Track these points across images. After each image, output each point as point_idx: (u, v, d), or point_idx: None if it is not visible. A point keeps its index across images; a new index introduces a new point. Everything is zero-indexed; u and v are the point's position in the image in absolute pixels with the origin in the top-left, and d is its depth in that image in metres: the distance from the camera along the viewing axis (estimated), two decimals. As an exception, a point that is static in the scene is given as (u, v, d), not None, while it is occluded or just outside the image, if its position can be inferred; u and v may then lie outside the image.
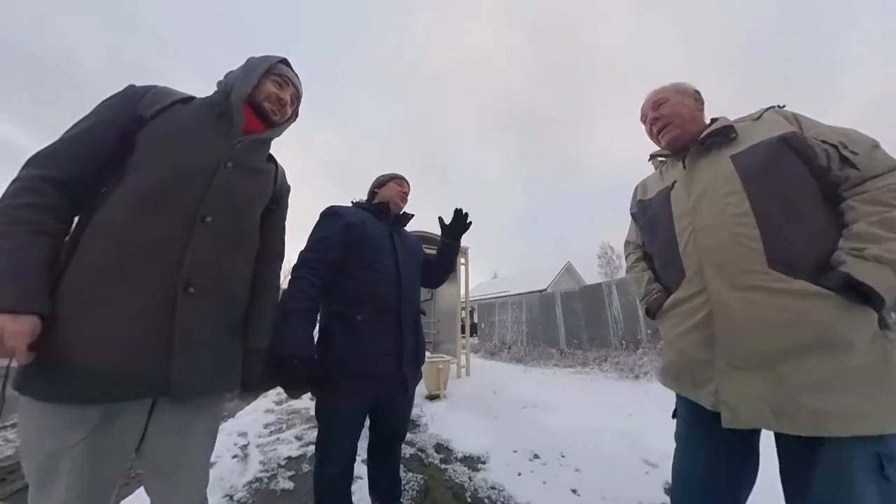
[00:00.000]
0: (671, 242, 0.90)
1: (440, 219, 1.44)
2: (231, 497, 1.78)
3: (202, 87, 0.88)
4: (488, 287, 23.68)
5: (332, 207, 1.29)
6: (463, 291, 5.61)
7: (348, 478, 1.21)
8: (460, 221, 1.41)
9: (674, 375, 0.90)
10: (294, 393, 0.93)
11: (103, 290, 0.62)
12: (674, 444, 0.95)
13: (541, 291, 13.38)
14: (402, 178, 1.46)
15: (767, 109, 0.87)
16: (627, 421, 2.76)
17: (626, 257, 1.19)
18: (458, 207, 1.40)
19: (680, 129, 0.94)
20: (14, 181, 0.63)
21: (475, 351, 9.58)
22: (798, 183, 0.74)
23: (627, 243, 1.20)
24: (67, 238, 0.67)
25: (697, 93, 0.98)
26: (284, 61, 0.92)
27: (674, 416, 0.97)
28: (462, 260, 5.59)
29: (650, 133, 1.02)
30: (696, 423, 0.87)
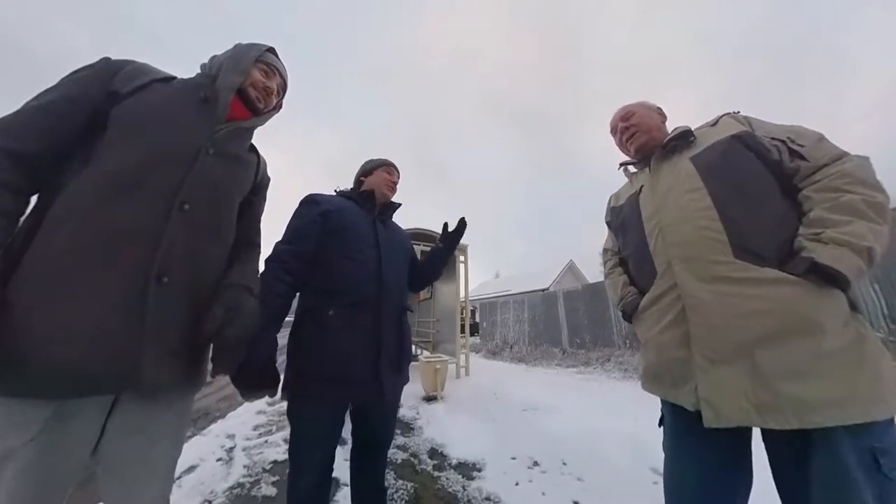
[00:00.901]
0: (642, 243, 0.93)
1: (445, 224, 1.41)
2: (210, 503, 1.68)
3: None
4: (490, 286, 23.57)
5: (310, 195, 1.21)
6: (463, 291, 5.49)
7: (324, 488, 1.11)
8: (460, 230, 1.41)
9: (653, 377, 0.90)
10: (248, 396, 0.85)
11: (70, 279, 0.57)
12: None
13: (543, 290, 13.23)
14: (392, 166, 1.35)
15: (723, 115, 0.92)
16: (633, 425, 2.62)
17: (605, 264, 1.24)
18: (463, 217, 1.41)
19: (647, 135, 1.01)
20: None
21: (477, 350, 9.47)
22: (754, 175, 0.78)
23: (605, 251, 1.26)
24: (24, 218, 0.61)
25: (660, 108, 1.08)
26: (272, 50, 0.90)
27: (660, 425, 0.94)
28: (462, 258, 5.47)
29: (620, 144, 1.08)
30: (682, 429, 0.85)
